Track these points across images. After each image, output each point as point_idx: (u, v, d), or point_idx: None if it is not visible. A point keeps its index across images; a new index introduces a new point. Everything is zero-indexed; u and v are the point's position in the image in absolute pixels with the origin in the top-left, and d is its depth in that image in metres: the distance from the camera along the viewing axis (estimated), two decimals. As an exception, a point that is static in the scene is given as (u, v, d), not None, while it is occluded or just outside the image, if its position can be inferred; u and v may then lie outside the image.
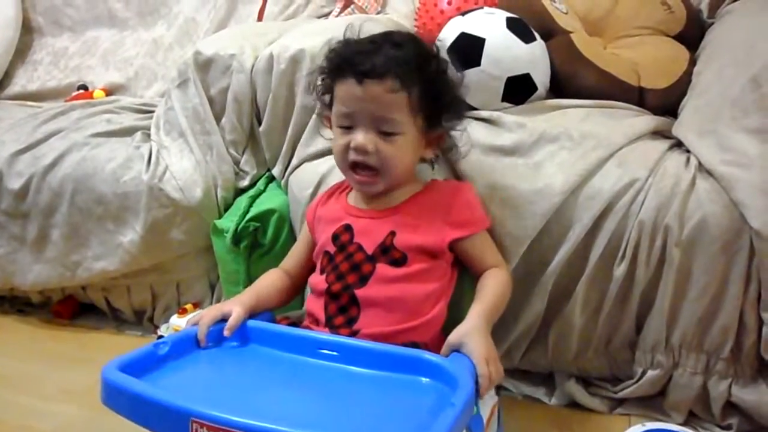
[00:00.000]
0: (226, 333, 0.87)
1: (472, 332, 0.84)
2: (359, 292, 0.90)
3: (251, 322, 0.91)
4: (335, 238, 0.95)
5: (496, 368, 0.82)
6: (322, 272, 0.96)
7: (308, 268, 1.05)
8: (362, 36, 0.97)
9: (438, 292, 0.93)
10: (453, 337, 0.84)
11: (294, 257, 1.09)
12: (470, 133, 1.15)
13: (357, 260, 0.92)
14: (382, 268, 0.90)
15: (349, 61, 0.90)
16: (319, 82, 1.00)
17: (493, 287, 0.94)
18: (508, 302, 0.96)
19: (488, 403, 0.86)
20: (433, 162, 1.00)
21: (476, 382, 0.78)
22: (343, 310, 0.90)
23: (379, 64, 0.87)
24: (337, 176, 1.18)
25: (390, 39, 0.92)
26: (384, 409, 0.73)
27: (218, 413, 0.63)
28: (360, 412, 0.72)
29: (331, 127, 1.00)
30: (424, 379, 0.78)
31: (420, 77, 0.90)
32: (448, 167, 1.22)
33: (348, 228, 0.95)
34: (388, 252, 0.91)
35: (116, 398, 0.72)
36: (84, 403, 1.33)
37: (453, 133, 1.04)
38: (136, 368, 0.77)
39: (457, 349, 0.83)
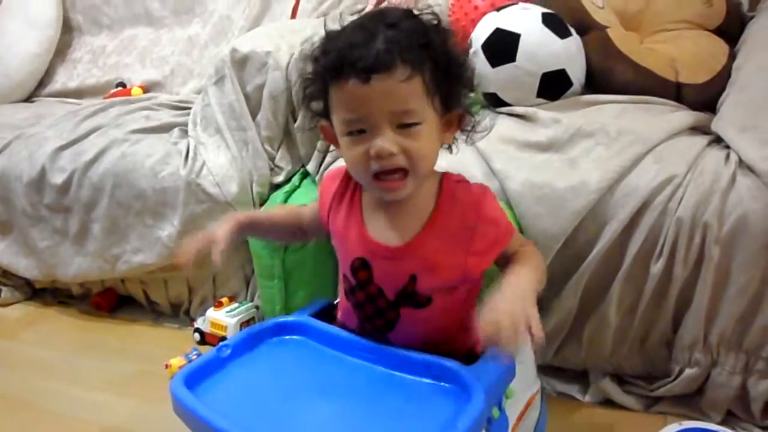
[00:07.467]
0: (214, 258, 0.89)
1: (499, 296, 0.75)
2: (390, 335, 0.88)
3: (311, 320, 0.92)
4: (354, 271, 0.88)
5: (516, 320, 0.71)
6: (346, 296, 0.91)
7: (320, 228, 0.95)
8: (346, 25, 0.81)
9: (471, 306, 0.89)
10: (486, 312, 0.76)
11: (313, 213, 0.96)
12: (497, 122, 1.05)
13: (380, 306, 0.86)
14: (407, 313, 0.85)
15: (343, 58, 0.76)
16: (305, 90, 0.85)
17: (526, 259, 0.86)
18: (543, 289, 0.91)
19: (525, 394, 0.86)
20: (451, 146, 0.87)
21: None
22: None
23: (383, 52, 0.74)
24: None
25: (382, 20, 0.78)
26: (405, 418, 0.76)
27: None
28: (383, 420, 0.76)
29: (328, 138, 0.87)
30: (446, 385, 0.79)
31: (428, 55, 0.77)
32: (482, 162, 1.22)
33: (365, 264, 0.86)
34: (411, 297, 0.84)
35: (179, 410, 0.78)
36: (125, 393, 1.37)
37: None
38: (202, 374, 0.83)
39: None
